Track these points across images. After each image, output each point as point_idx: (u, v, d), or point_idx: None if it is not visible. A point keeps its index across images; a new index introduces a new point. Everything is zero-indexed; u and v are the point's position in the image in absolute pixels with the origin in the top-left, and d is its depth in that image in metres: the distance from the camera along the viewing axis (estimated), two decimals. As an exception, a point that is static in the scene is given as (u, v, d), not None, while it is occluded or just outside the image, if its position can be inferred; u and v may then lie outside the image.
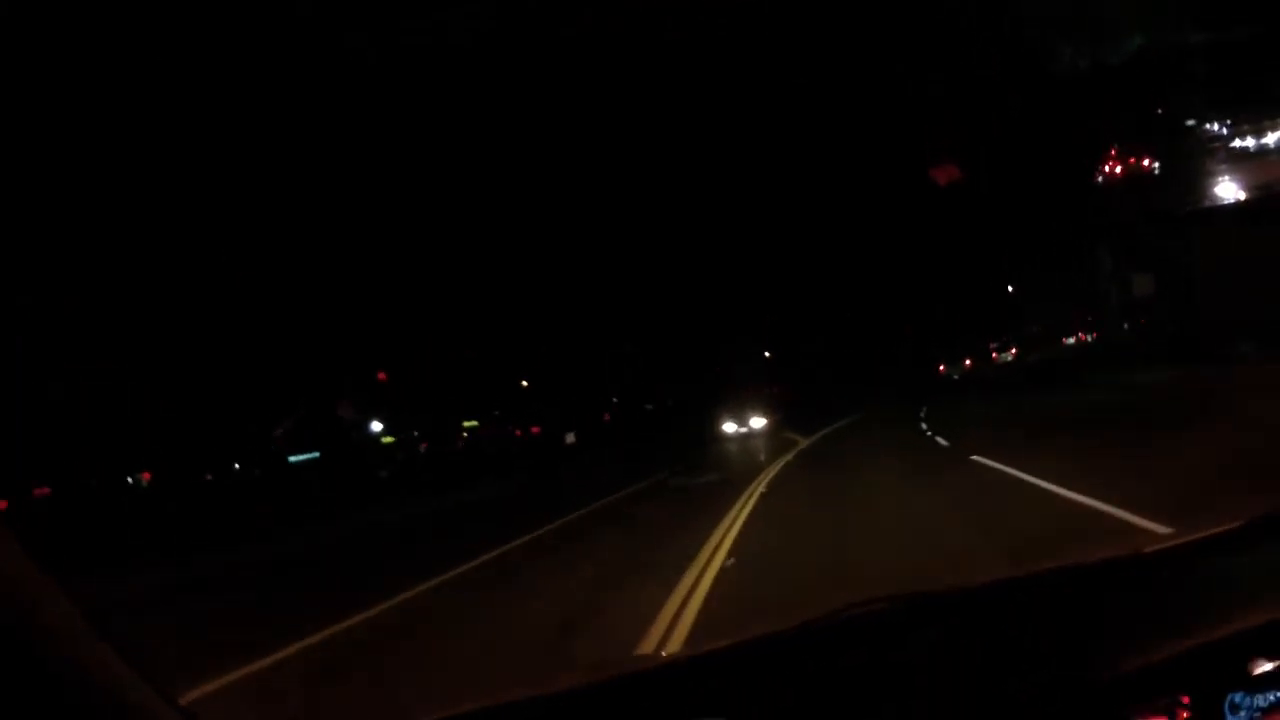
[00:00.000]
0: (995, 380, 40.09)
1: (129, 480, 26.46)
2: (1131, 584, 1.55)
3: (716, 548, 6.97)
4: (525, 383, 33.30)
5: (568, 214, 30.07)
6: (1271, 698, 1.29)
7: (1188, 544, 1.56)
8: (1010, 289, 64.82)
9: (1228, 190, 22.09)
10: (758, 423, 26.23)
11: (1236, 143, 22.40)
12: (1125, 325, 35.33)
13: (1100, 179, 26.32)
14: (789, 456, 16.14)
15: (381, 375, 27.78)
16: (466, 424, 36.39)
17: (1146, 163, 24.51)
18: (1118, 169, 25.40)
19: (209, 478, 26.40)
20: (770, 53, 29.38)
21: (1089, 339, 71.22)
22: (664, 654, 3.78)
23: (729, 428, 26.36)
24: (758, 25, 26.79)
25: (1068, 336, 76.80)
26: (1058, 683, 1.27)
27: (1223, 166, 21.99)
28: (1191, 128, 22.72)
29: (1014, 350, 76.74)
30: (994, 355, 77.29)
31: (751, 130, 35.25)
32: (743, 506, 9.49)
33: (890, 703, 1.34)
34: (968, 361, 74.69)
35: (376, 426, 33.70)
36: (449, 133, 26.62)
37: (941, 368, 70.39)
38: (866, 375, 54.18)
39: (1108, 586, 1.54)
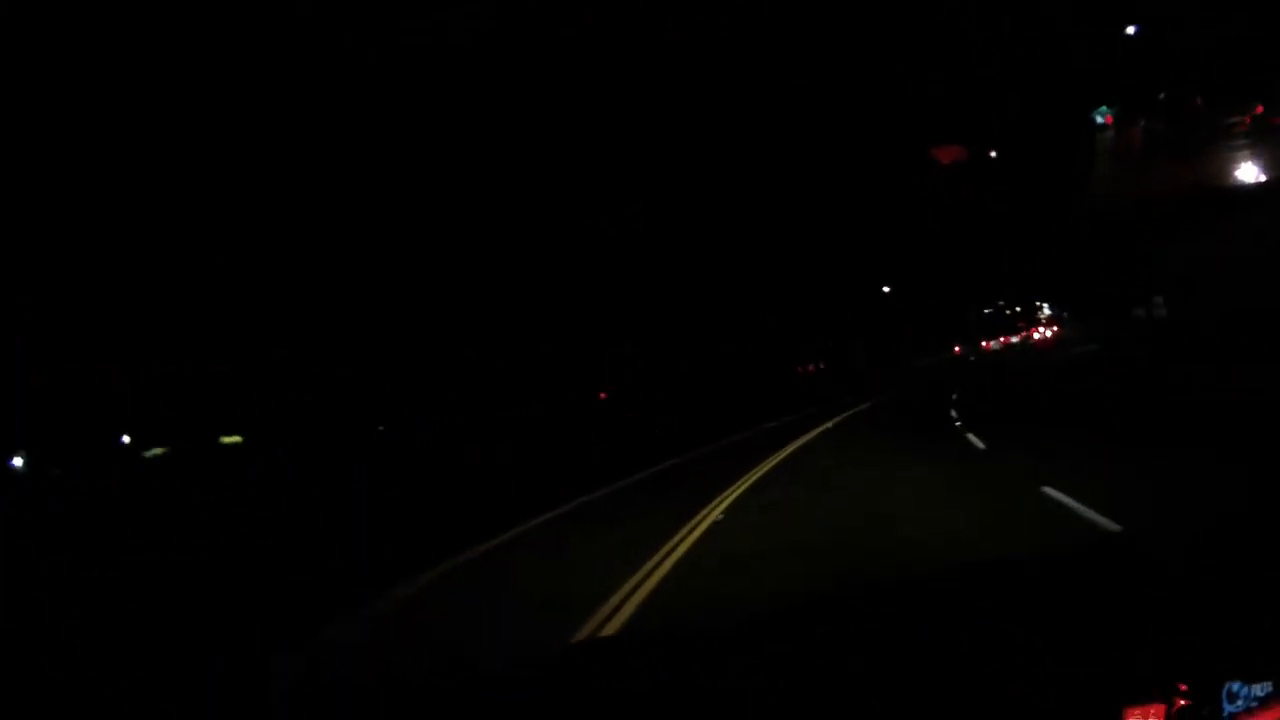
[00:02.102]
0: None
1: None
2: (1126, 576, 1.55)
3: None
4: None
5: (566, 213, 30.08)
6: (1269, 687, 1.29)
7: (1179, 539, 1.56)
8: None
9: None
10: None
11: None
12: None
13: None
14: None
15: None
16: (226, 439, 27.53)
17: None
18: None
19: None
20: (771, 53, 29.39)
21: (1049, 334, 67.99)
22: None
23: None
24: (758, 25, 26.80)
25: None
26: (1055, 674, 1.27)
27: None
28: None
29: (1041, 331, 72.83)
30: (988, 343, 72.72)
31: (751, 129, 35.27)
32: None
33: (884, 697, 1.35)
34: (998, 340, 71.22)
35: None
36: (449, 133, 26.64)
37: (986, 343, 68.32)
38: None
39: (1102, 579, 1.54)
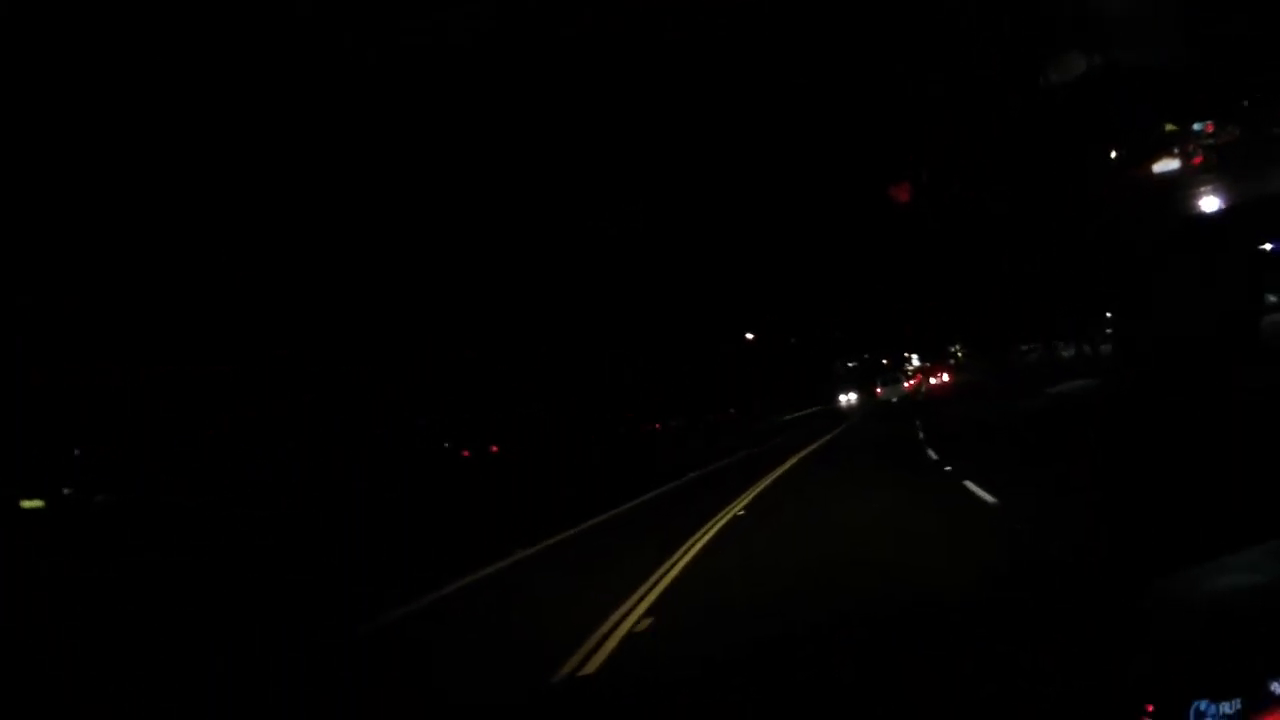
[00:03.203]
0: None
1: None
2: (1091, 597, 1.58)
3: None
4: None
5: (565, 212, 30.10)
6: (1237, 704, 1.31)
7: (1142, 562, 1.60)
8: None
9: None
10: None
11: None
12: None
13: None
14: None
15: None
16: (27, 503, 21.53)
17: None
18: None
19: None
20: (771, 54, 29.39)
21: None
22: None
23: None
24: (758, 25, 26.79)
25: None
26: (1025, 697, 1.30)
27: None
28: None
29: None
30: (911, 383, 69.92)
31: (751, 128, 35.28)
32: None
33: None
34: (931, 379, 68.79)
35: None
36: (449, 133, 26.66)
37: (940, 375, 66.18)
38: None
39: (1068, 602, 1.57)
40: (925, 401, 47.77)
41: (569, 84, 27.24)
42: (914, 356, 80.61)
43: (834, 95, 33.06)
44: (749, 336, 54.11)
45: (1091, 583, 1.70)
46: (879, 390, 64.67)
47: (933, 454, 16.57)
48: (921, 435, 22.30)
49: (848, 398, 65.30)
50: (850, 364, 73.17)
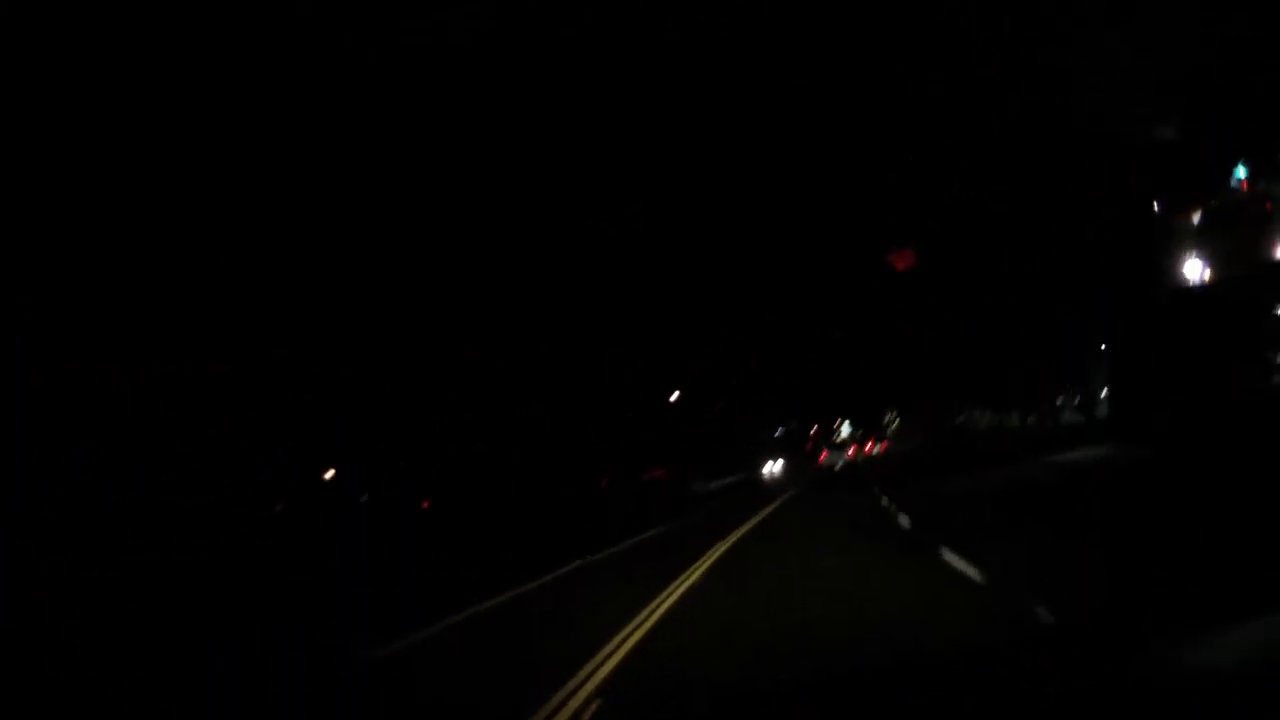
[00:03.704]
0: None
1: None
2: (1080, 662, 1.57)
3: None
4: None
5: (565, 213, 30.07)
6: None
7: (1136, 626, 1.59)
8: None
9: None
10: None
11: None
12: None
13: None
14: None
15: None
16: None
17: None
18: None
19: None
20: (771, 54, 29.38)
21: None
22: None
23: None
24: (758, 25, 26.76)
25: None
26: None
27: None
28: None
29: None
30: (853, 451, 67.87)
31: (752, 129, 35.22)
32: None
33: None
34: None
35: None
36: (449, 133, 26.63)
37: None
38: None
39: (1058, 666, 1.56)
40: (874, 470, 43.58)
41: (569, 84, 27.22)
42: (844, 425, 79.05)
43: (833, 95, 33.03)
44: (673, 399, 47.29)
45: (1084, 652, 1.70)
46: (822, 458, 62.43)
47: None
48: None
49: (772, 468, 57.96)
50: (776, 432, 65.37)
